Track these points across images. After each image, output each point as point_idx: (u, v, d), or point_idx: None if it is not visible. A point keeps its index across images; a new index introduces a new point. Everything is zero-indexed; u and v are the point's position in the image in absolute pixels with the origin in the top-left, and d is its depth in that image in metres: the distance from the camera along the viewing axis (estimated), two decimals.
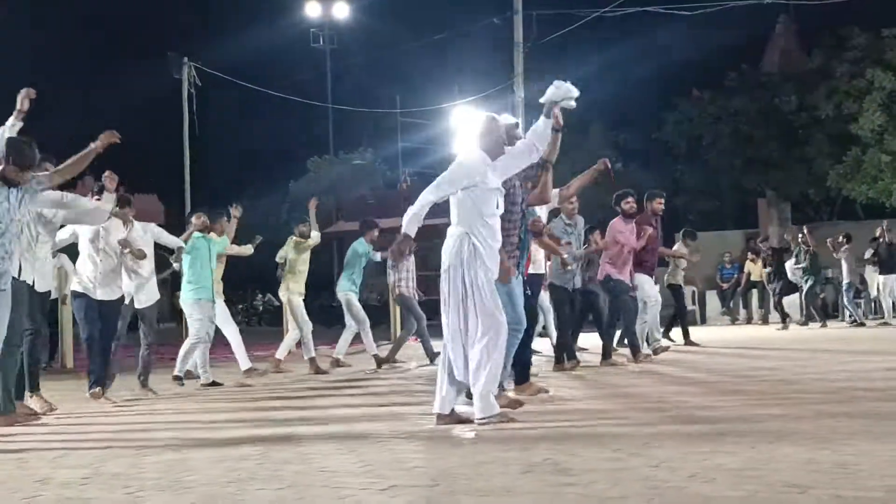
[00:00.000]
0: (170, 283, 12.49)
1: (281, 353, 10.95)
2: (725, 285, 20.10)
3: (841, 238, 16.69)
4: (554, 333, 10.61)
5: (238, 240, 10.50)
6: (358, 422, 5.90)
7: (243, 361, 9.86)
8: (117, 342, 7.81)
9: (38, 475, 4.37)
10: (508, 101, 18.80)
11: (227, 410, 7.00)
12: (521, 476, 3.82)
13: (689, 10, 18.52)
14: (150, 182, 34.62)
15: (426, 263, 14.98)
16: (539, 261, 8.65)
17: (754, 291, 19.36)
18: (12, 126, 6.38)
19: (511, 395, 6.37)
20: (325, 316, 18.39)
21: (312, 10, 37.54)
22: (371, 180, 35.82)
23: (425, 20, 36.72)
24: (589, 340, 10.61)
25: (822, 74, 23.20)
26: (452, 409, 5.38)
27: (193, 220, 9.23)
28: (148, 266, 8.19)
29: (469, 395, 5.39)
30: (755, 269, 18.59)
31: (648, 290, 10.47)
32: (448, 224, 5.47)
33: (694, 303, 19.89)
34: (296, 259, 10.74)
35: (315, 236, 10.79)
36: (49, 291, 7.21)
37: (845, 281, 16.56)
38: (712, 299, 20.64)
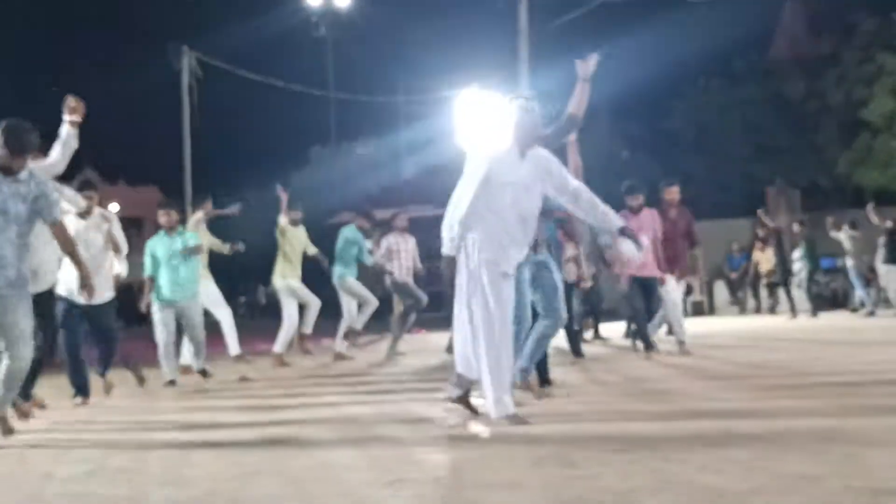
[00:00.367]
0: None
1: (280, 347, 10.47)
2: (734, 275, 19.95)
3: (846, 226, 16.44)
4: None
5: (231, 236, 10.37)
6: (362, 415, 5.85)
7: (233, 346, 9.72)
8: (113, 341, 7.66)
9: (41, 470, 4.35)
10: (513, 88, 18.72)
11: (230, 406, 6.95)
12: (529, 469, 3.78)
13: None
14: (149, 173, 34.68)
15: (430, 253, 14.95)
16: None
17: (763, 280, 19.18)
18: (68, 135, 6.26)
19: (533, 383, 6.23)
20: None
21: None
22: (373, 170, 35.73)
23: (429, 5, 36.78)
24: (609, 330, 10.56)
25: (830, 60, 23.04)
26: (467, 392, 5.34)
27: (162, 218, 8.55)
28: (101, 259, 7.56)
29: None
30: (763, 258, 18.42)
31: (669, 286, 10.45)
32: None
33: (702, 293, 19.76)
34: (285, 243, 10.57)
35: (282, 220, 10.65)
36: (49, 289, 7.01)
37: (849, 262, 16.24)
38: (721, 289, 20.49)
